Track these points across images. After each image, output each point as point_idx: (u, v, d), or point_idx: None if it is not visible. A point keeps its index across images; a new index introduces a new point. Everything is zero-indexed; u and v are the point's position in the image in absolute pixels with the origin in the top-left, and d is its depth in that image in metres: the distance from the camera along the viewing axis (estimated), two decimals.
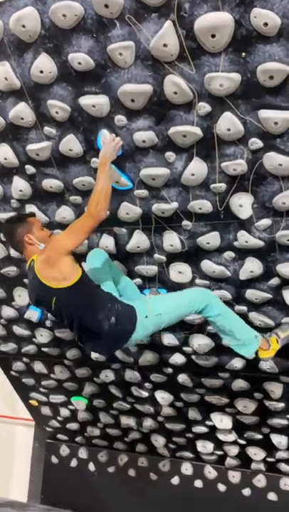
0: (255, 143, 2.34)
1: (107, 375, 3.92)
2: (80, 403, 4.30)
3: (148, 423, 4.17)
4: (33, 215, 2.72)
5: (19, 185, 2.97)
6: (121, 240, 3.04)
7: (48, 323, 3.73)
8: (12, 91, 2.58)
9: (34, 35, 2.36)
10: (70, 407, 4.44)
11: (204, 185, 2.60)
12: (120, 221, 2.92)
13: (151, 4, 2.11)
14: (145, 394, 3.93)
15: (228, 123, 2.31)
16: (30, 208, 3.08)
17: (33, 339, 3.93)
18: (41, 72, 2.45)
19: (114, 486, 4.55)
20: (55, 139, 2.70)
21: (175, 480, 4.38)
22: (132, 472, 4.54)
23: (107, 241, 3.04)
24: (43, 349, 3.97)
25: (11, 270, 3.49)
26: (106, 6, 2.16)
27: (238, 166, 2.44)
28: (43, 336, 3.83)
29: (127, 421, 4.25)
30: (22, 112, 2.62)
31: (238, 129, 2.32)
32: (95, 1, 2.17)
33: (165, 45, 2.18)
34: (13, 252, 3.34)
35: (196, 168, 2.53)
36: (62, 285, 2.38)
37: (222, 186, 2.55)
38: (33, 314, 3.67)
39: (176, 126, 2.42)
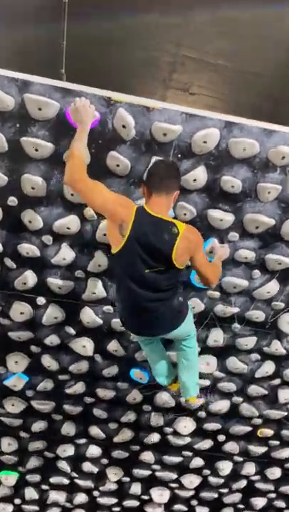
0: None
1: (65, 450, 3.82)
2: (9, 477, 3.95)
3: (80, 498, 4.12)
4: None
5: (100, 260, 2.97)
6: None
7: (29, 392, 3.50)
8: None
9: (206, 150, 2.66)
10: None
11: (268, 301, 3.19)
12: None
13: None
14: (96, 470, 3.96)
15: None
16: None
17: None
18: (194, 180, 2.72)
19: None
20: None
21: None
22: None
23: None
24: (1, 418, 3.63)
25: (23, 335, 3.24)
26: (283, 157, 2.68)
27: None
28: (14, 406, 3.54)
29: (56, 496, 4.09)
30: None
31: None
32: (273, 153, 2.67)
33: None
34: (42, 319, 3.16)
35: (272, 288, 3.11)
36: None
37: (282, 305, 3.19)
38: (20, 382, 3.42)
39: (275, 254, 3.00)
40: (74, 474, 3.98)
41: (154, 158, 2.66)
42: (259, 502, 4.24)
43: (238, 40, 4.82)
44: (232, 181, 2.74)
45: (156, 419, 3.67)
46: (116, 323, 3.19)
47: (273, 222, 2.88)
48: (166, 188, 2.36)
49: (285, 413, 3.69)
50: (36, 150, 2.60)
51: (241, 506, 4.30)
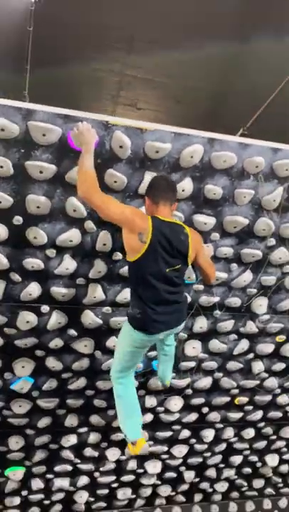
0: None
1: (69, 440, 3.80)
2: (17, 473, 3.87)
3: (82, 481, 4.12)
4: None
5: (99, 267, 2.98)
6: None
7: (34, 393, 3.45)
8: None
9: (191, 164, 2.75)
10: None
11: (244, 289, 3.36)
12: None
13: (278, 174, 2.91)
14: (96, 454, 3.97)
15: (282, 254, 3.23)
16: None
17: (3, 411, 3.48)
18: (183, 190, 2.81)
19: None
20: None
21: None
22: None
23: None
24: (9, 420, 3.54)
25: (29, 342, 3.18)
26: (256, 166, 2.83)
27: (272, 280, 3.35)
28: (21, 407, 3.47)
29: (61, 483, 4.07)
30: None
31: (286, 259, 3.26)
32: (248, 163, 2.81)
33: (274, 200, 2.98)
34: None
35: (247, 277, 3.29)
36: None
37: (254, 291, 3.38)
38: (26, 385, 3.35)
39: (249, 249, 3.17)
40: (77, 460, 3.98)
41: (147, 174, 2.71)
42: (236, 459, 4.47)
43: (178, 59, 4.93)
44: (214, 189, 2.86)
45: (150, 401, 3.75)
46: (114, 321, 3.22)
47: (247, 222, 3.04)
48: (169, 199, 2.46)
49: (258, 382, 3.91)
50: (41, 172, 2.56)
51: (222, 465, 4.51)
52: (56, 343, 3.22)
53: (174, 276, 2.45)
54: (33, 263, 2.85)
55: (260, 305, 3.45)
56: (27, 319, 3.06)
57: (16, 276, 2.89)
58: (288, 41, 4.15)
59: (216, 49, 4.91)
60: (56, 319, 3.12)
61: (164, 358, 3.09)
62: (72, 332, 3.22)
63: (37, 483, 4.02)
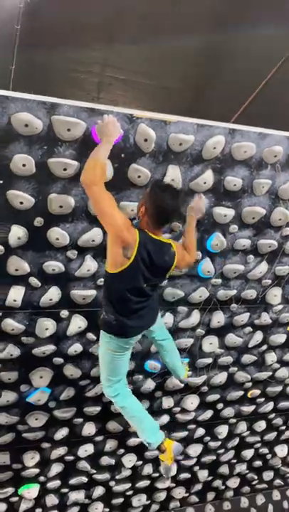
0: None
1: (87, 450, 3.67)
2: (31, 491, 3.69)
3: (98, 492, 4.00)
4: None
5: None
6: (178, 317, 3.32)
7: (51, 404, 3.31)
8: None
9: (213, 155, 2.74)
10: (12, 499, 3.72)
11: (259, 280, 3.38)
12: (186, 301, 3.26)
13: None
14: (113, 461, 3.87)
15: None
16: None
17: (18, 426, 3.32)
18: (205, 183, 2.79)
19: None
20: (177, 232, 2.93)
21: None
22: None
23: (169, 319, 3.27)
24: (24, 435, 3.38)
25: (47, 350, 3.05)
26: (275, 156, 2.85)
27: (286, 270, 3.39)
28: (37, 420, 3.32)
29: (77, 496, 3.92)
30: None
31: None
32: (267, 152, 2.83)
33: None
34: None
35: (262, 268, 3.31)
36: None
37: (269, 281, 3.41)
38: (43, 396, 3.22)
39: (266, 239, 3.19)
40: (93, 471, 3.85)
41: (170, 167, 2.67)
42: (248, 453, 4.49)
43: (157, 61, 4.93)
44: (234, 181, 2.86)
45: (168, 402, 3.70)
46: None
47: (264, 212, 3.06)
48: (167, 226, 2.62)
49: (270, 373, 3.95)
50: (65, 169, 2.46)
51: (234, 461, 4.52)
52: (75, 348, 3.11)
53: (149, 290, 2.46)
54: (54, 266, 2.74)
55: (275, 295, 3.48)
56: (46, 326, 2.94)
57: (34, 281, 2.76)
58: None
59: (196, 50, 4.94)
60: (76, 324, 3.01)
61: (166, 354, 3.07)
62: (91, 336, 3.12)
63: (51, 500, 3.86)
